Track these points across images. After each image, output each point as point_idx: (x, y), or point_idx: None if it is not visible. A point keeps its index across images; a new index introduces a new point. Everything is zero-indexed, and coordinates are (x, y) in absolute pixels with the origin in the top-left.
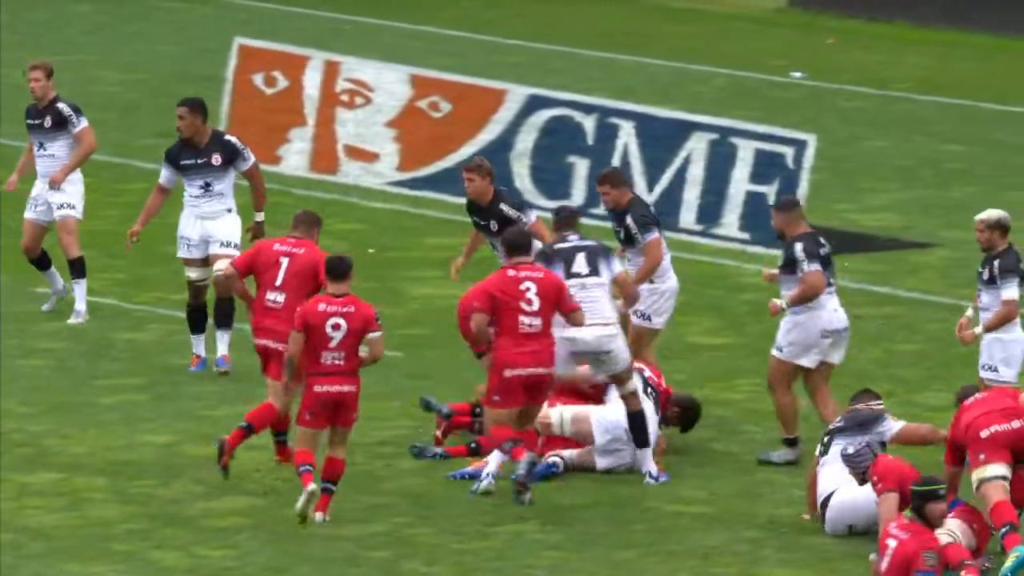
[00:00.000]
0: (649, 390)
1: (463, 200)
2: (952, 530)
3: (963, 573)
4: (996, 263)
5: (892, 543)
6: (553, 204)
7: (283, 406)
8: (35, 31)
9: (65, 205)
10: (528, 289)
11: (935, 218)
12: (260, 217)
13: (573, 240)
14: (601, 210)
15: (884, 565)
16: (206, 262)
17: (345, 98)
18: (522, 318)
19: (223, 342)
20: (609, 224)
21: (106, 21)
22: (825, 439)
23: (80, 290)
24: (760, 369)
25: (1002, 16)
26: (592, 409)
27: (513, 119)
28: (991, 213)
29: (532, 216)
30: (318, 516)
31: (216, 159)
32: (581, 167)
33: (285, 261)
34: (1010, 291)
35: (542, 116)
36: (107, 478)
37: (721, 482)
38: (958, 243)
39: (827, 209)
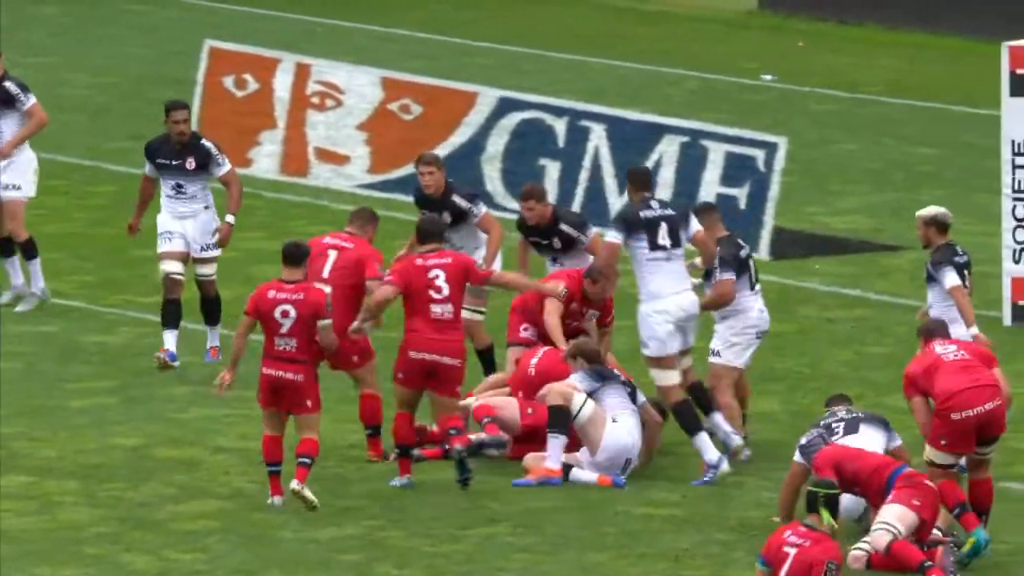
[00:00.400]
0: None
1: None
2: (889, 523)
3: None
4: (930, 259)
5: (791, 551)
6: None
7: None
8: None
9: (11, 186)
10: (437, 277)
11: (905, 221)
12: (230, 219)
13: (655, 208)
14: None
15: (783, 574)
16: (185, 257)
17: (316, 100)
18: (433, 307)
19: (213, 336)
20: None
21: (73, 23)
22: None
23: (36, 268)
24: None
25: (971, 19)
26: (609, 423)
27: (484, 122)
28: (928, 210)
29: (483, 207)
30: (294, 483)
31: (190, 163)
32: (552, 170)
33: (333, 254)
34: (949, 279)
35: (513, 119)
36: (77, 481)
37: (691, 485)
38: None
39: (798, 212)
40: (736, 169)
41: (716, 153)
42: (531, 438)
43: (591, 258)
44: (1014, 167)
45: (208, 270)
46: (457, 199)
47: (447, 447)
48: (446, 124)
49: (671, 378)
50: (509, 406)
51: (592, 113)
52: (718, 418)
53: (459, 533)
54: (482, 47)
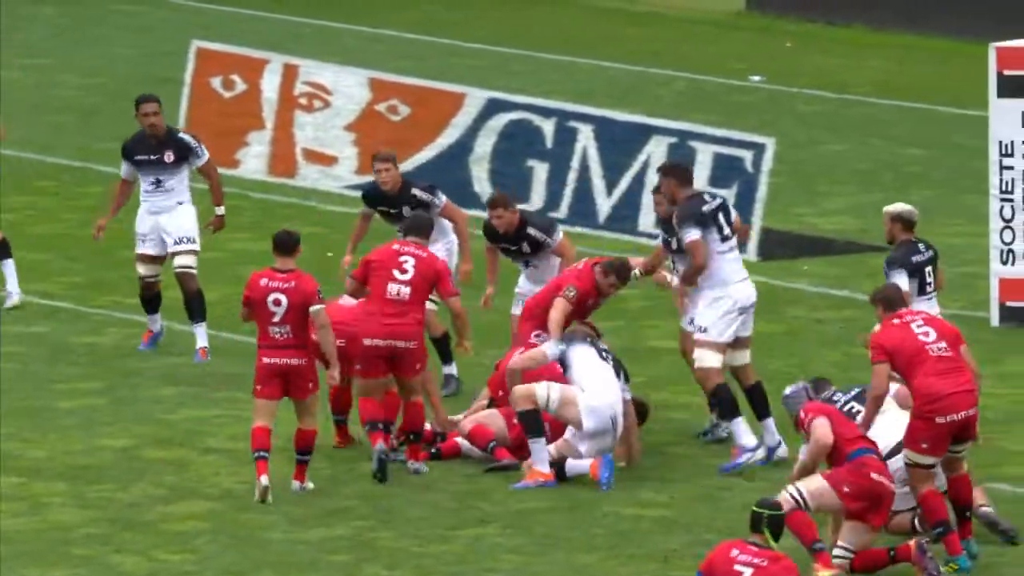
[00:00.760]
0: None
1: None
2: (800, 492)
3: (816, 565)
4: (887, 256)
5: (747, 571)
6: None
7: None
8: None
9: None
10: (406, 260)
11: None
12: (221, 211)
13: (709, 199)
14: (560, 214)
15: None
16: (159, 260)
17: (303, 101)
18: (391, 285)
19: (201, 336)
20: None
21: (65, 25)
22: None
23: (9, 271)
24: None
25: (959, 20)
26: (579, 393)
27: (472, 123)
28: (894, 206)
29: (443, 197)
30: (295, 484)
31: (168, 156)
32: (540, 171)
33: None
34: (898, 281)
35: (501, 120)
36: (66, 482)
37: (680, 486)
38: None
39: (786, 212)
40: (724, 170)
41: (704, 154)
42: (524, 446)
43: (558, 261)
44: (1001, 168)
45: (187, 261)
46: (417, 192)
47: (432, 450)
48: (434, 125)
49: (715, 360)
50: (495, 420)
51: (580, 114)
52: (744, 426)
53: (449, 534)
54: (471, 48)
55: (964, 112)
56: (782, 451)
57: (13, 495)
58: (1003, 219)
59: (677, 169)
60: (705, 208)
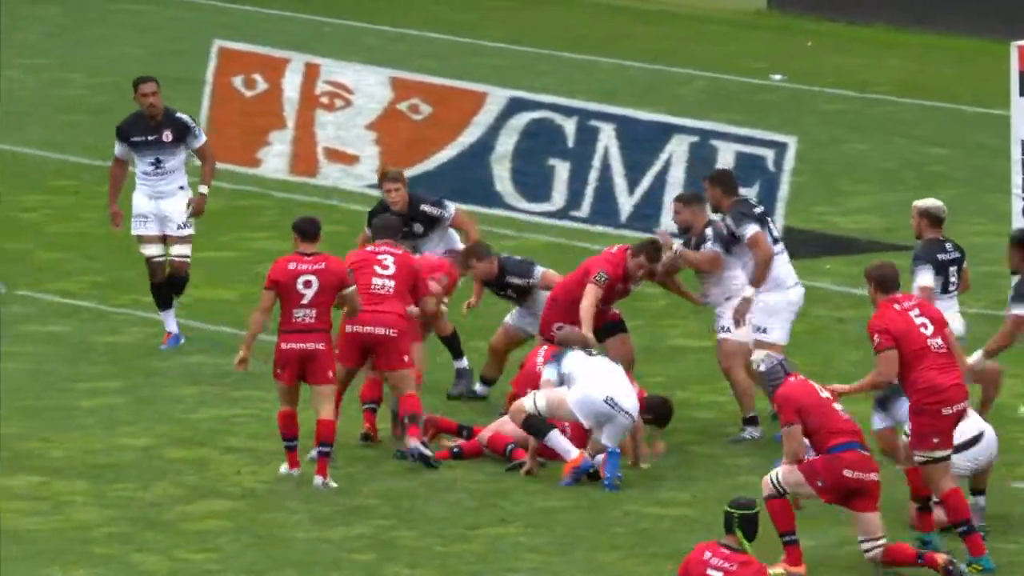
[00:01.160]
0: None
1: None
2: (780, 477)
3: (781, 559)
4: (913, 252)
5: (717, 575)
6: (534, 207)
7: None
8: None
9: None
10: (385, 258)
11: None
12: (204, 190)
13: (757, 204)
14: (582, 212)
15: None
16: (163, 239)
17: (325, 100)
18: (375, 279)
19: (169, 322)
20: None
21: (66, 24)
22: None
23: None
24: None
25: (980, 19)
26: (564, 392)
27: (493, 122)
28: (924, 201)
29: (452, 207)
30: (318, 480)
31: (167, 136)
32: (562, 170)
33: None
34: (922, 278)
35: (523, 119)
36: (87, 481)
37: (703, 484)
38: None
39: (808, 212)
40: (746, 169)
41: (726, 153)
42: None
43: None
44: None
45: (184, 250)
46: (426, 208)
47: (454, 449)
48: (455, 124)
49: None
50: (512, 425)
51: (602, 113)
52: None
53: (470, 533)
54: (492, 47)
55: (987, 111)
56: None
57: (34, 494)
58: None
59: (724, 177)
60: (757, 210)
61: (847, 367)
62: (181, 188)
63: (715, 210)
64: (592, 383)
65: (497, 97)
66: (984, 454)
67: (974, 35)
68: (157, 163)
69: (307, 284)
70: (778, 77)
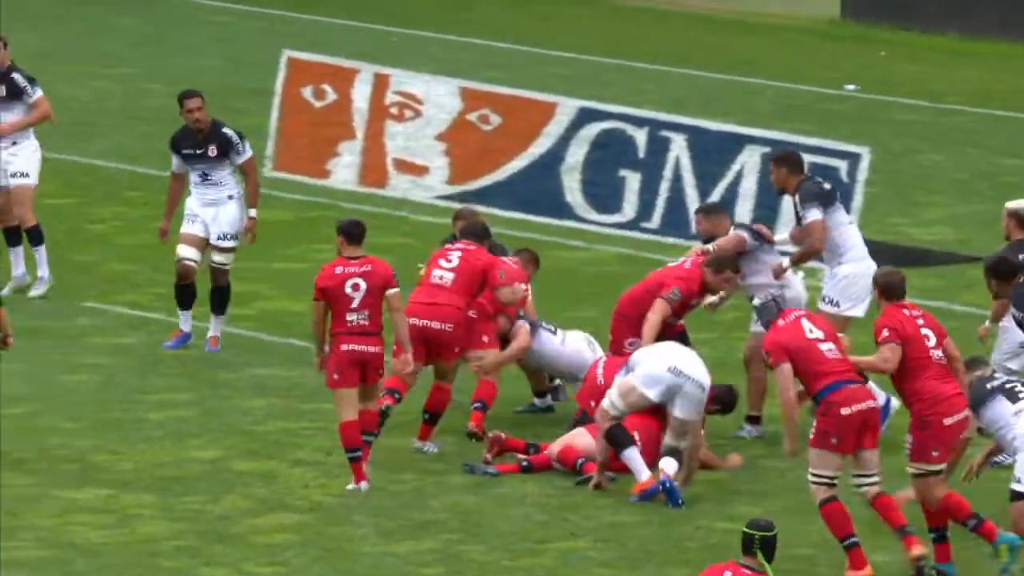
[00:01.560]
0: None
1: (515, 214)
2: (814, 477)
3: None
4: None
5: None
6: (605, 218)
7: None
8: (79, 43)
9: (19, 173)
10: (453, 253)
11: (991, 232)
12: (253, 213)
13: (823, 182)
14: (653, 223)
15: None
16: (202, 243)
17: (394, 111)
18: (435, 271)
19: (214, 327)
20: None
21: (151, 34)
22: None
23: (41, 256)
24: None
25: None
26: (629, 377)
27: (564, 132)
28: (1015, 202)
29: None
30: (363, 485)
31: (212, 151)
32: (633, 180)
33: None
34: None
35: (593, 129)
36: (155, 494)
37: (773, 499)
38: None
39: (882, 223)
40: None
41: None
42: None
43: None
44: None
45: (223, 259)
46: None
47: (523, 463)
48: (525, 134)
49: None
50: (582, 439)
51: (673, 123)
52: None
53: (539, 547)
54: (560, 57)
55: None
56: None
57: (102, 507)
58: None
59: (789, 157)
60: (825, 186)
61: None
62: (230, 197)
63: (780, 192)
64: (653, 358)
65: (567, 107)
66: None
67: None
68: (204, 176)
69: (355, 287)
70: (851, 87)
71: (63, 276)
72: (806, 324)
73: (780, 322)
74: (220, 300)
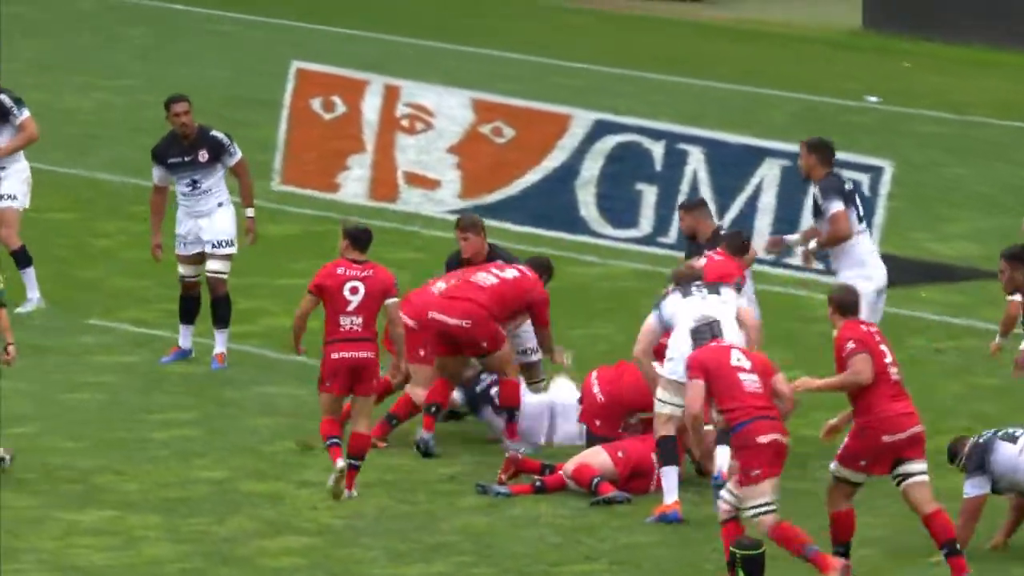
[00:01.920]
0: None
1: (528, 229)
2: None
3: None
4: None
5: None
6: (620, 233)
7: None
8: (82, 54)
9: (6, 196)
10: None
11: None
12: (251, 213)
13: (847, 180)
14: (670, 239)
15: None
16: (200, 259)
17: (405, 123)
18: (480, 274)
19: (220, 342)
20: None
21: (156, 44)
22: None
23: (29, 278)
24: (837, 403)
25: None
26: (667, 371)
27: (579, 145)
28: None
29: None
30: (345, 494)
31: (203, 156)
32: (649, 194)
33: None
34: None
35: (609, 142)
36: (160, 515)
37: (796, 520)
38: None
39: (904, 238)
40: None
41: None
42: (638, 475)
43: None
44: None
45: (219, 266)
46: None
47: (536, 483)
48: (539, 147)
49: None
50: (597, 457)
51: (690, 136)
52: None
53: (553, 570)
54: (572, 67)
55: None
56: None
57: (106, 529)
58: None
59: (823, 146)
60: (847, 186)
61: (947, 400)
62: (220, 205)
63: (806, 178)
64: (685, 316)
65: (582, 120)
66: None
67: None
68: (194, 184)
69: (353, 290)
70: (873, 99)
71: (66, 293)
72: (735, 354)
73: (712, 343)
74: (221, 313)
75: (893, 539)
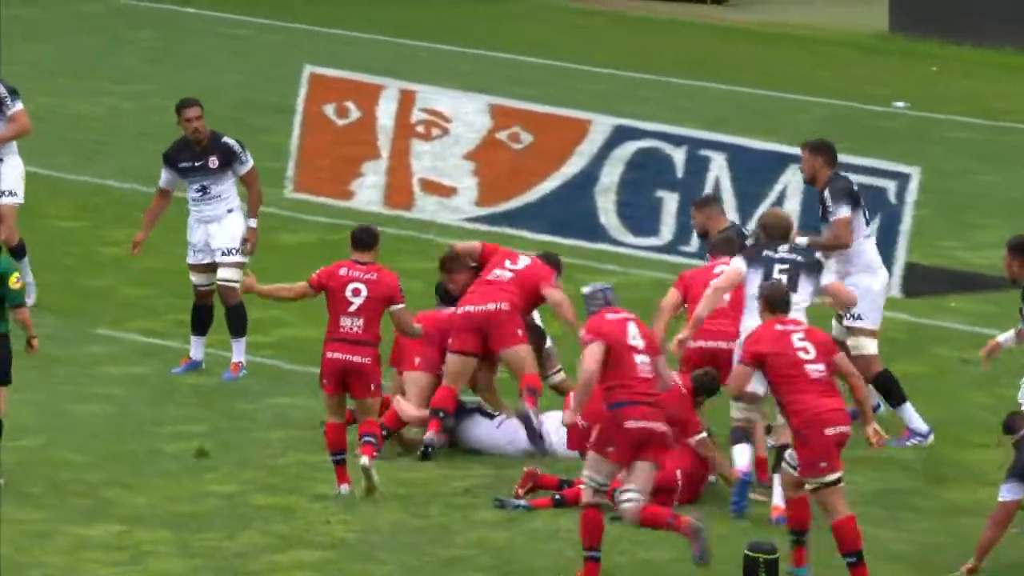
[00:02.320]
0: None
1: (546, 237)
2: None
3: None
4: None
5: None
6: (641, 241)
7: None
8: (91, 58)
9: (7, 192)
10: (514, 257)
11: None
12: (253, 223)
13: (854, 182)
14: (692, 247)
15: None
16: (211, 268)
17: (421, 129)
18: (496, 270)
19: (237, 351)
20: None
21: (165, 48)
22: None
23: (24, 266)
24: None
25: None
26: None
27: (598, 151)
28: None
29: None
30: (363, 459)
31: (213, 162)
32: (670, 202)
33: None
34: None
35: (629, 148)
36: (170, 530)
37: (813, 535)
38: None
39: (932, 246)
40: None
41: None
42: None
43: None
44: None
45: (230, 274)
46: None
47: (556, 497)
48: (557, 153)
49: (873, 347)
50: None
51: (713, 142)
52: (914, 410)
53: None
54: (592, 72)
55: None
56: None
57: (114, 544)
58: None
59: (826, 147)
60: (855, 188)
61: (974, 410)
62: (230, 211)
63: (810, 181)
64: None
65: (602, 125)
66: None
67: None
68: (204, 189)
69: (356, 292)
70: (901, 104)
71: (74, 302)
72: (632, 328)
73: (608, 315)
74: (236, 322)
75: (918, 555)
